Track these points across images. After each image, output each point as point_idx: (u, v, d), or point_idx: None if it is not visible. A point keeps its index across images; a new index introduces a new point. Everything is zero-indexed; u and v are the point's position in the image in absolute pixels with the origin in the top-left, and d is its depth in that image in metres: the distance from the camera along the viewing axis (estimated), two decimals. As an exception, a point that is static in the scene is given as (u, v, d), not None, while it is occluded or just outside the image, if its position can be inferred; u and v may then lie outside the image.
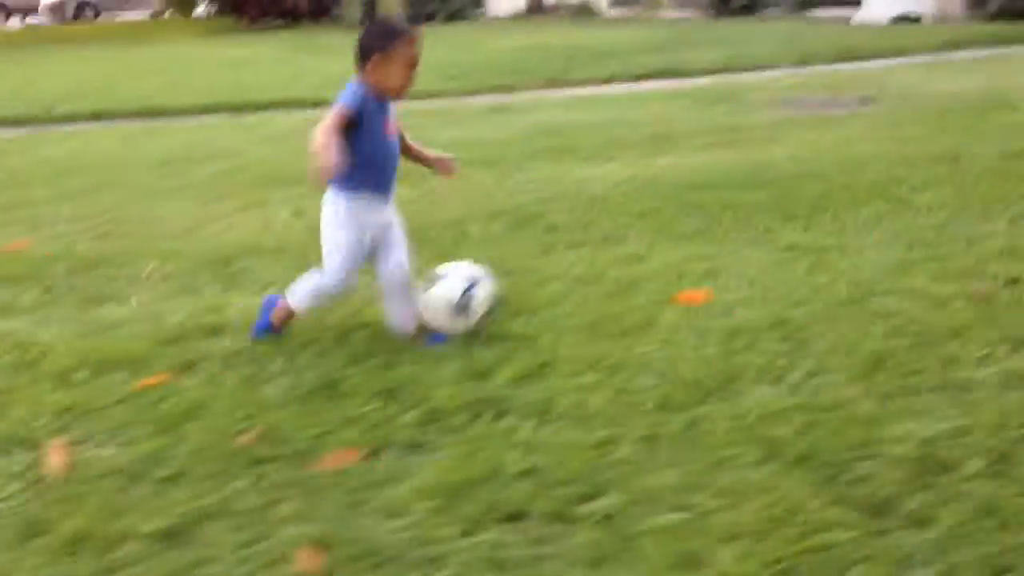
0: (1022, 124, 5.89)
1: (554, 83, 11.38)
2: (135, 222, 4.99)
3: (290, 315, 3.13)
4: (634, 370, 2.78)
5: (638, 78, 11.11)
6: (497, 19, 21.93)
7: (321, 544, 2.00)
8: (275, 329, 3.14)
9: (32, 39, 22.67)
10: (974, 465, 2.18)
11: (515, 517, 2.09)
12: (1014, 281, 3.31)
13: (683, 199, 4.62)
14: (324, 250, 3.05)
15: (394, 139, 3.05)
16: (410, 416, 2.56)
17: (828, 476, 2.19)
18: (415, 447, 2.43)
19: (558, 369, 2.81)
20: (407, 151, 3.19)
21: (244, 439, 2.47)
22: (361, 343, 3.07)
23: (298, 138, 6.92)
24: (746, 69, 10.96)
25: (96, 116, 9.58)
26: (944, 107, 6.66)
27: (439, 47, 15.25)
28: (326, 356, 2.98)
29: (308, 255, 4.09)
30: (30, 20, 31.98)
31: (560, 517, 2.08)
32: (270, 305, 3.18)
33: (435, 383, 2.73)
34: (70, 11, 31.98)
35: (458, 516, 2.09)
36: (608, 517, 2.08)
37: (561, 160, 5.80)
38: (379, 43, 2.92)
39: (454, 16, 21.35)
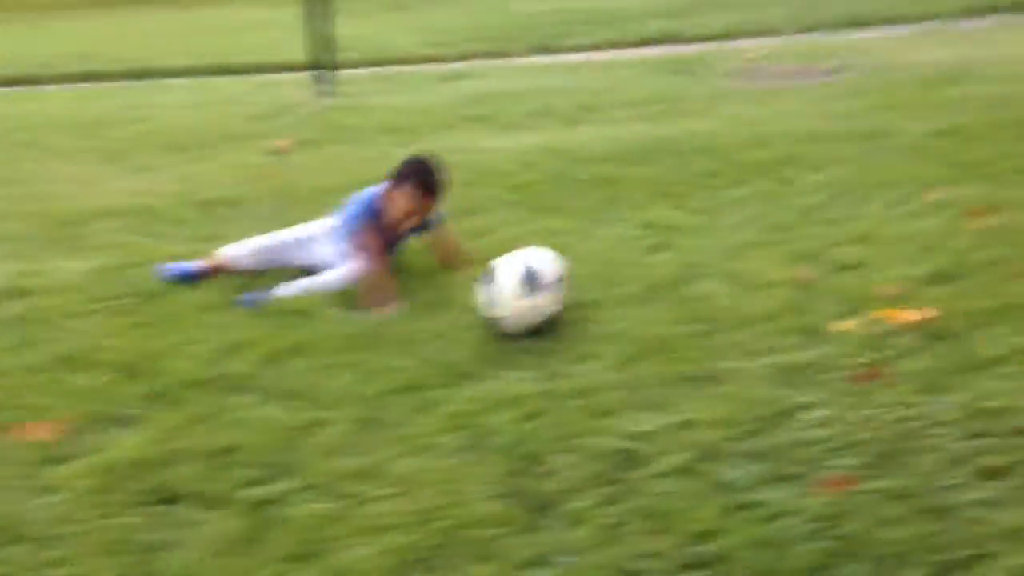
0: (969, 98, 5.65)
1: (545, 49, 11.27)
2: (18, 183, 5.05)
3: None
4: (394, 350, 2.73)
5: (633, 44, 10.95)
6: None
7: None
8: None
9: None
10: (667, 462, 2.11)
11: (170, 500, 2.08)
12: (846, 267, 3.18)
13: (571, 172, 4.53)
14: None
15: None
16: (139, 389, 2.56)
17: (516, 469, 2.14)
18: (125, 422, 2.42)
19: (318, 347, 2.78)
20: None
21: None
22: (142, 316, 3.08)
23: (233, 104, 7.12)
24: (748, 35, 10.73)
25: (84, 77, 9.77)
26: (904, 80, 6.42)
27: (456, 7, 15.30)
28: (93, 326, 2.99)
29: (156, 220, 4.17)
30: None
31: (216, 502, 2.06)
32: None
33: (184, 357, 2.72)
34: None
35: (111, 498, 2.08)
36: (264, 503, 2.05)
37: (475, 129, 5.73)
38: (401, 172, 3.18)
39: None
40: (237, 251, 3.38)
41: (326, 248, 3.34)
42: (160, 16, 16.82)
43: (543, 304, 2.81)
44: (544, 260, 2.90)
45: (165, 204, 4.43)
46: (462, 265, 3.36)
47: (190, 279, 3.30)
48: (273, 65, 10.13)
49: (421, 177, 3.18)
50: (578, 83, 7.26)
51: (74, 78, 9.98)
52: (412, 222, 3.19)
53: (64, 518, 2.01)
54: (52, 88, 9.32)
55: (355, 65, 9.90)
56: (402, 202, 3.16)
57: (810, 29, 10.82)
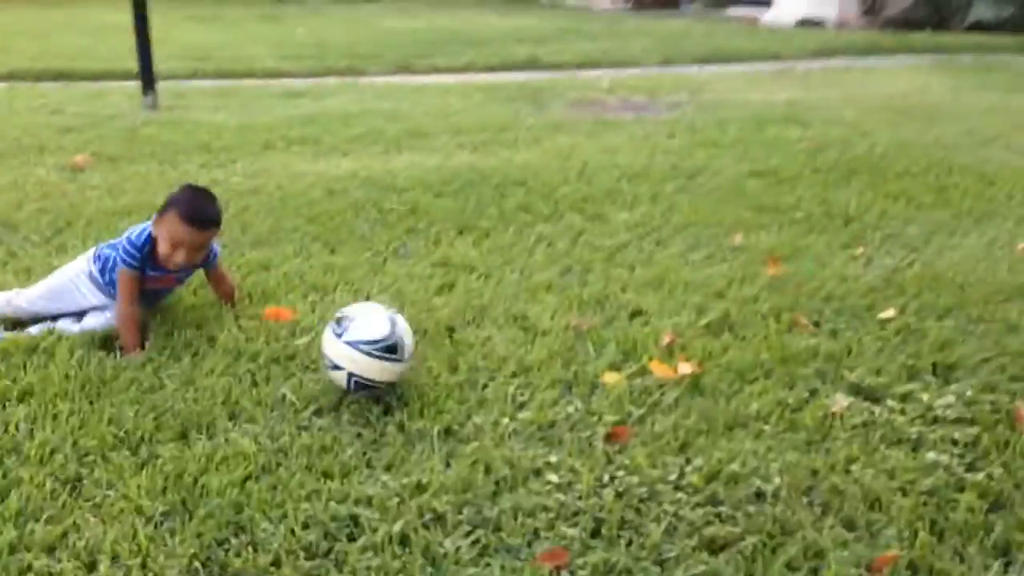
0: (793, 140, 5.82)
1: (406, 68, 11.19)
2: None
3: None
4: (129, 398, 2.54)
5: (493, 68, 10.99)
6: None
7: None
8: None
9: None
10: (385, 531, 2.00)
11: None
12: (633, 314, 3.17)
13: (379, 202, 4.41)
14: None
15: (160, 288, 3.10)
16: None
17: (220, 539, 1.99)
18: None
19: (46, 392, 2.56)
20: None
21: None
22: None
23: (48, 112, 6.70)
24: (608, 65, 10.92)
25: None
26: (738, 118, 6.58)
27: (328, 22, 15.08)
28: None
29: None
30: None
31: None
32: None
33: None
34: None
35: None
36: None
37: (294, 152, 5.55)
38: (164, 206, 2.97)
39: None
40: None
41: (88, 294, 3.10)
42: (23, 13, 15.93)
43: (399, 369, 2.59)
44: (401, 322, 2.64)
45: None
46: (235, 302, 3.19)
47: None
48: (115, 73, 9.71)
49: (186, 208, 2.98)
50: (416, 107, 7.16)
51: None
52: (182, 256, 2.99)
53: None
54: None
55: (199, 76, 9.60)
56: (167, 234, 2.96)
57: (668, 62, 11.13)
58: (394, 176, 4.87)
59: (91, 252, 3.14)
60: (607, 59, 11.42)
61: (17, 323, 3.06)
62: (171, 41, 11.82)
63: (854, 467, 2.28)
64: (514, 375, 2.74)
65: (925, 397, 2.63)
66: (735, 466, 2.27)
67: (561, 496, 2.15)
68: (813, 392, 2.65)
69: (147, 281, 3.00)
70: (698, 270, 3.59)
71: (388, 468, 2.26)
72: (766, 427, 2.47)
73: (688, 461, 2.30)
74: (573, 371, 2.76)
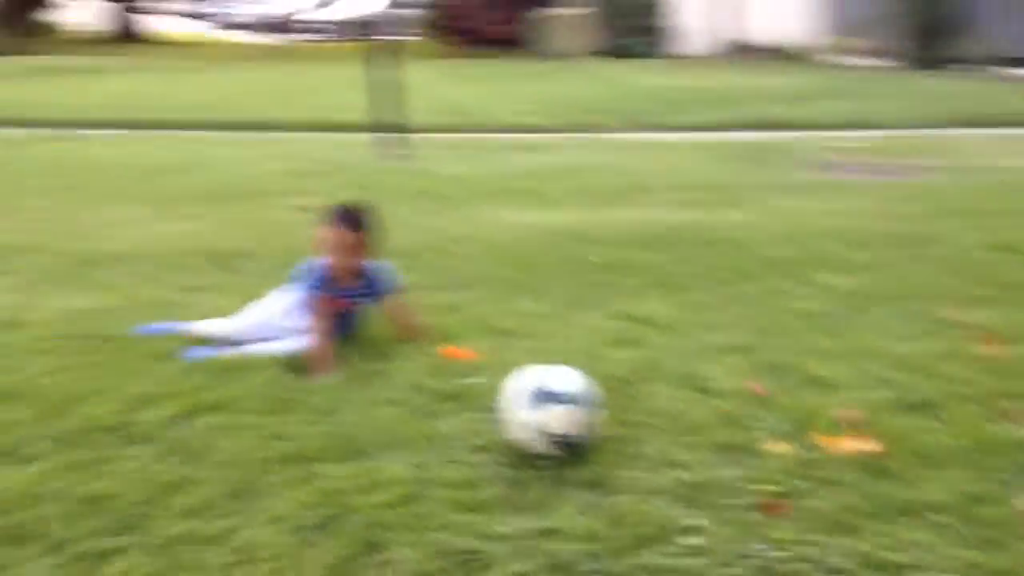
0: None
1: (645, 126, 11.37)
2: (64, 221, 5.38)
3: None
4: (303, 418, 2.76)
5: (734, 127, 10.93)
6: (685, 57, 21.74)
7: None
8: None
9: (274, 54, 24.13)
10: (509, 570, 2.05)
11: (15, 541, 2.15)
12: (814, 383, 3.03)
13: (581, 254, 4.51)
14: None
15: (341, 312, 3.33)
16: (47, 429, 2.69)
17: (355, 554, 2.12)
18: (20, 458, 2.53)
19: (234, 407, 2.84)
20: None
21: None
22: (89, 358, 3.22)
23: (292, 159, 7.40)
24: (859, 127, 10.55)
25: (201, 126, 10.40)
26: (981, 185, 6.14)
27: (581, 80, 15.67)
28: (39, 363, 3.16)
29: (164, 267, 4.37)
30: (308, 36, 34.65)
31: (52, 549, 2.12)
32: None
33: (104, 403, 2.84)
34: (350, 29, 33.52)
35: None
36: (95, 555, 2.11)
37: (513, 202, 5.79)
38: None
39: (637, 53, 21.54)
40: (208, 327, 3.49)
41: (287, 321, 3.41)
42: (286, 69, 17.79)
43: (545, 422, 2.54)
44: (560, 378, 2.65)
45: (177, 252, 4.64)
46: (417, 338, 3.38)
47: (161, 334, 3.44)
48: (364, 125, 10.58)
49: (334, 215, 3.30)
50: (644, 163, 7.26)
51: (147, 126, 10.64)
52: (341, 257, 3.26)
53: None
54: (154, 133, 9.93)
55: (450, 129, 10.24)
56: (328, 245, 3.28)
57: (921, 125, 10.56)
58: (603, 229, 4.96)
59: (291, 284, 3.45)
60: (860, 120, 11.02)
61: (226, 345, 3.40)
62: (435, 97, 12.73)
63: (1035, 573, 2.07)
64: (675, 433, 2.71)
65: None
66: (896, 555, 2.12)
67: (692, 560, 2.11)
68: (1004, 486, 2.43)
69: (327, 303, 3.27)
70: (900, 343, 3.38)
71: (525, 510, 2.31)
72: (942, 518, 2.29)
73: (838, 544, 2.18)
74: (738, 436, 2.69)
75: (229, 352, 3.28)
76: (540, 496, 2.37)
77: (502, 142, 8.82)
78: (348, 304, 3.37)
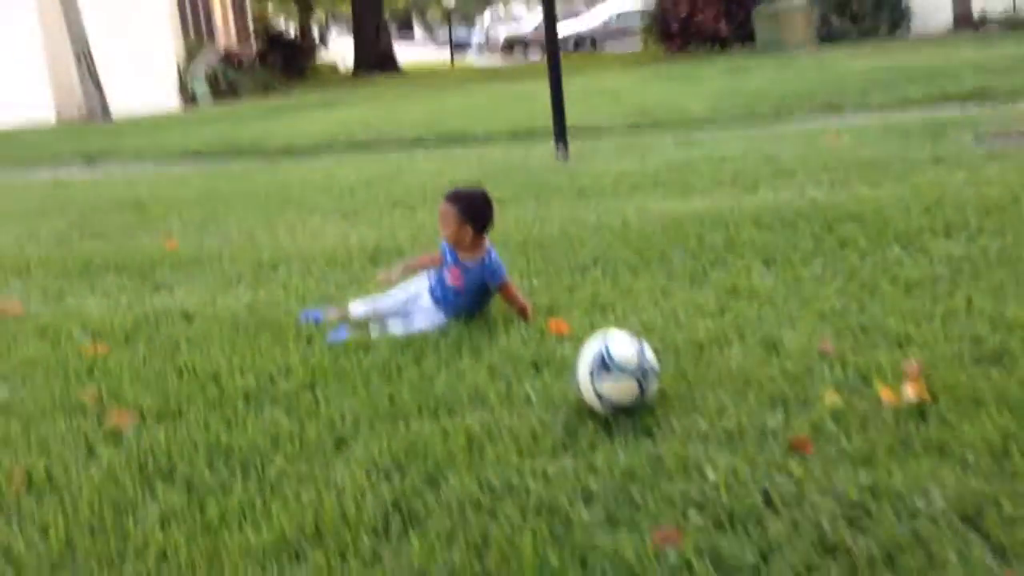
0: None
1: (835, 108, 11.11)
2: (268, 230, 6.14)
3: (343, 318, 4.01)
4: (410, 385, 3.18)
5: (930, 101, 10.50)
6: (918, 36, 21.03)
7: None
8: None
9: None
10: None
11: (164, 476, 2.68)
12: (895, 343, 3.10)
13: (701, 236, 4.67)
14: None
15: (455, 287, 3.77)
16: (206, 393, 3.24)
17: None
18: (172, 416, 3.09)
19: (349, 376, 3.30)
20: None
21: None
22: (255, 341, 3.80)
23: (471, 166, 7.95)
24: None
25: (408, 144, 11.37)
26: None
27: (788, 70, 15.46)
28: (215, 345, 3.75)
29: (331, 266, 4.93)
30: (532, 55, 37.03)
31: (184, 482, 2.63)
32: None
33: (250, 375, 3.37)
34: (571, 45, 35.85)
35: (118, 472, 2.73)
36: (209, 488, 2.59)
37: (657, 193, 6.00)
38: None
39: (868, 33, 21.29)
40: (357, 307, 4.00)
41: (424, 302, 3.86)
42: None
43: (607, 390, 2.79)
44: (619, 343, 2.87)
45: (345, 252, 5.22)
46: (527, 316, 3.72)
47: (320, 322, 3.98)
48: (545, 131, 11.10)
49: (448, 194, 3.77)
50: (800, 148, 7.22)
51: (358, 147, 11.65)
52: (449, 235, 3.71)
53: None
54: (351, 155, 10.91)
55: (634, 128, 10.54)
56: (440, 218, 3.75)
57: None
58: (733, 213, 5.09)
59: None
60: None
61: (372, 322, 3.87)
62: (624, 101, 13.07)
63: (1042, 500, 2.12)
64: (733, 389, 2.89)
65: None
66: (905, 485, 2.24)
67: (712, 492, 2.31)
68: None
69: (448, 272, 3.75)
70: (999, 303, 3.36)
71: (576, 453, 2.59)
72: (967, 455, 2.36)
73: (858, 478, 2.31)
74: (794, 389, 2.84)
75: (370, 331, 3.75)
76: (592, 441, 2.65)
77: (672, 138, 8.98)
78: (460, 279, 3.74)
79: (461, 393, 3.06)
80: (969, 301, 3.41)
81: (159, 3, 24.51)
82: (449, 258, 3.77)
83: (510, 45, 40.31)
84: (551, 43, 8.27)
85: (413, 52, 44.14)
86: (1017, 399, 2.61)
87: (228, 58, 26.97)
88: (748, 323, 3.44)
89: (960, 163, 5.85)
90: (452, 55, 40.83)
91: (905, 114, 9.55)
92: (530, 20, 41.92)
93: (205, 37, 27.27)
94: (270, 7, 38.09)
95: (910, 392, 2.69)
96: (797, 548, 2.06)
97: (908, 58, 15.27)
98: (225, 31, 29.27)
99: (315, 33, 41.55)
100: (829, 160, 6.44)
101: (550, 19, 8.25)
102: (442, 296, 3.80)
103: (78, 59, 18.95)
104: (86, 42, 18.96)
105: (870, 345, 3.13)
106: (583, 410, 2.84)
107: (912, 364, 2.88)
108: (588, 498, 2.35)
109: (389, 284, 3.99)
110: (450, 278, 3.77)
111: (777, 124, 9.91)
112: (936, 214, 4.60)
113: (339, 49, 38.23)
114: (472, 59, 40.50)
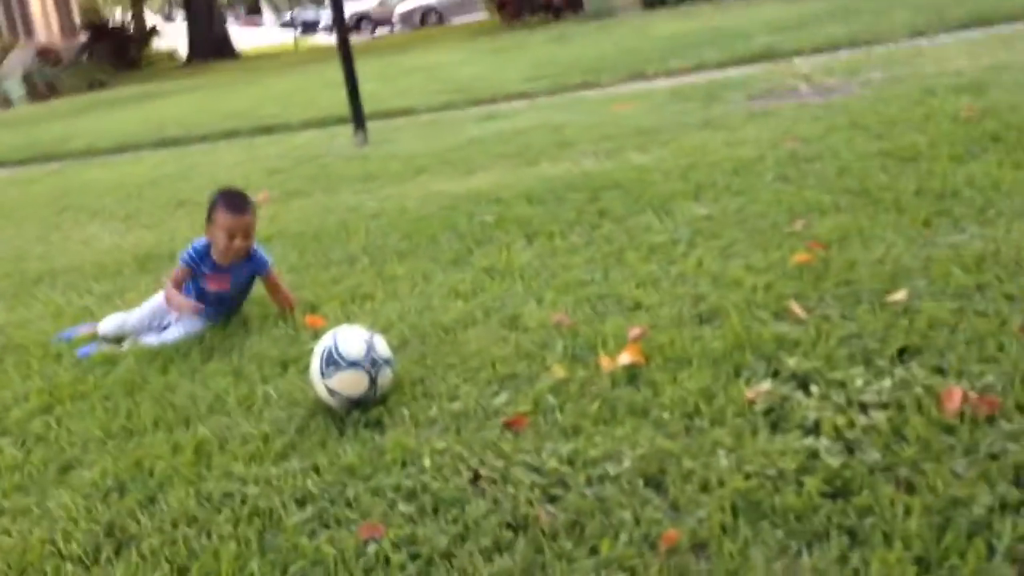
0: (945, 114, 5.31)
1: (639, 75, 11.38)
2: (40, 242, 5.85)
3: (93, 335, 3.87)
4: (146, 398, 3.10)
5: (721, 65, 10.90)
6: None
7: None
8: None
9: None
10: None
11: None
12: (627, 310, 3.23)
13: (474, 215, 4.74)
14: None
15: (219, 292, 3.70)
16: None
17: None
18: None
19: (89, 396, 3.19)
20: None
21: None
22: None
23: (268, 159, 7.81)
24: (846, 46, 10.40)
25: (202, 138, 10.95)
26: (907, 93, 6.10)
27: (605, 37, 15.66)
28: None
29: (97, 277, 4.75)
30: (380, 31, 36.08)
31: None
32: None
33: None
34: (417, 19, 35.22)
35: None
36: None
37: (441, 174, 6.04)
38: (208, 212, 3.66)
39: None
40: (106, 325, 3.86)
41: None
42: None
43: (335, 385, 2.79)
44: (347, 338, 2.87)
45: (115, 261, 5.03)
46: (289, 312, 3.69)
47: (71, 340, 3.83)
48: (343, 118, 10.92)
49: (226, 202, 3.62)
50: (586, 117, 7.41)
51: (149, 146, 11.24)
52: (239, 241, 3.58)
53: None
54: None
55: (450, 107, 10.49)
56: (221, 229, 3.58)
57: (922, 34, 10.34)
58: (508, 189, 5.17)
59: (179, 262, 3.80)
60: (851, 40, 10.83)
61: (124, 337, 3.77)
62: (442, 78, 13.01)
63: (720, 451, 2.26)
64: (469, 371, 2.95)
65: (859, 383, 2.49)
66: (597, 451, 2.34)
67: (425, 477, 2.36)
68: (742, 379, 2.61)
69: (208, 281, 3.65)
70: (726, 262, 3.54)
71: (304, 454, 2.59)
72: (665, 416, 2.49)
73: (562, 449, 2.40)
74: (525, 366, 2.92)
75: (123, 345, 3.65)
76: (323, 439, 2.66)
77: (470, 114, 9.03)
78: (227, 285, 3.68)
79: (200, 402, 3.01)
80: (700, 262, 3.58)
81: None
82: (205, 268, 3.67)
83: (357, 22, 39.57)
84: (340, 27, 8.16)
85: (260, 36, 42.63)
86: (719, 355, 2.77)
87: (44, 54, 25.43)
88: (496, 302, 3.51)
89: (725, 125, 6.12)
90: (296, 37, 39.68)
91: (697, 77, 9.90)
92: None
93: (21, 35, 25.59)
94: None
95: (627, 357, 2.82)
96: (491, 527, 2.13)
97: (717, 20, 15.76)
98: (46, 25, 27.51)
99: (152, 20, 39.57)
100: (611, 129, 6.62)
101: (337, 3, 8.14)
102: (206, 305, 3.71)
103: None
104: None
105: (603, 314, 3.25)
106: (319, 408, 2.84)
107: (636, 329, 3.01)
108: (303, 500, 2.36)
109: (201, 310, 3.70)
110: (212, 285, 3.69)
111: (583, 92, 10.10)
112: (690, 177, 4.81)
113: (180, 36, 36.60)
114: (321, 40, 39.49)
